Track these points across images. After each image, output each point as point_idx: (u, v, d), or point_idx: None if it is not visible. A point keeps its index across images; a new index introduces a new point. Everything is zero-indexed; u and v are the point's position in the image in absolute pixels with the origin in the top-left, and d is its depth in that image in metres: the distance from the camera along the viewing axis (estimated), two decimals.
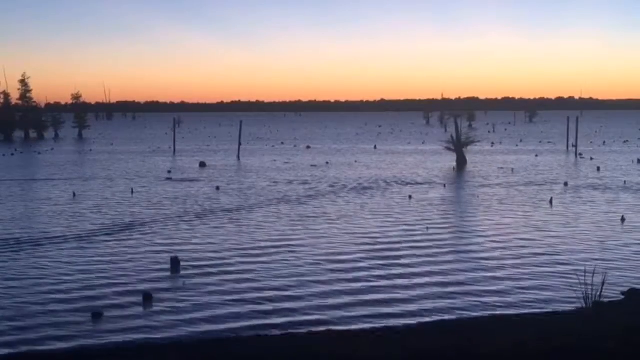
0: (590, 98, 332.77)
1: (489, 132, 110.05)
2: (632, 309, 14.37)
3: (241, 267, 19.39)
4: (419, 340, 12.12)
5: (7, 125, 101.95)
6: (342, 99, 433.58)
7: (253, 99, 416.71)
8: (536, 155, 61.34)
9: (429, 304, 15.75)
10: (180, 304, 15.91)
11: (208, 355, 11.89)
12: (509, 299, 16.17)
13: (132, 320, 14.75)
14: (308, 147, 75.92)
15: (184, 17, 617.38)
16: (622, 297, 15.97)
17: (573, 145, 66.89)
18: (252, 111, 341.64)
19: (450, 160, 53.50)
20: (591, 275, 15.58)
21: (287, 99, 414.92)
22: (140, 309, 15.55)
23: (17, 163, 57.88)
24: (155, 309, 15.57)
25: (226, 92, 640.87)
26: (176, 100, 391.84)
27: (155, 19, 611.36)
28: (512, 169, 48.24)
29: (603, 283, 15.24)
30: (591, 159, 56.80)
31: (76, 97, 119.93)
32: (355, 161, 56.39)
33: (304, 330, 13.84)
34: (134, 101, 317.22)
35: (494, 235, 23.98)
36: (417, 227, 25.48)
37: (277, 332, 13.81)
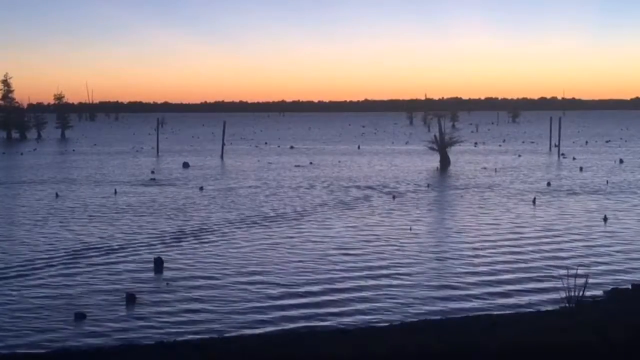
0: (573, 98, 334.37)
1: (472, 132, 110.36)
2: (614, 307, 14.47)
3: (222, 269, 19.37)
4: (403, 339, 12.13)
5: None
6: (326, 100, 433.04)
7: (236, 100, 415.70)
8: (519, 155, 61.56)
9: (413, 304, 15.79)
10: (164, 304, 15.87)
11: (191, 356, 11.85)
12: (492, 300, 16.24)
13: (115, 321, 14.69)
14: (292, 148, 75.86)
15: (167, 18, 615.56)
16: (605, 296, 16.08)
17: (556, 145, 67.21)
18: (236, 111, 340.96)
19: (434, 160, 53.58)
20: (574, 275, 15.66)
21: (271, 100, 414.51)
22: (123, 310, 15.49)
23: None
24: (138, 310, 15.52)
25: (209, 93, 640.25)
26: (159, 101, 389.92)
27: (138, 20, 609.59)
28: (496, 169, 48.39)
29: (586, 283, 15.34)
30: (574, 159, 57.09)
31: (59, 97, 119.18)
32: (339, 161, 56.37)
33: (288, 329, 13.85)
34: (117, 101, 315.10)
35: (477, 236, 24.06)
36: (400, 227, 25.52)
37: (260, 331, 13.81)
